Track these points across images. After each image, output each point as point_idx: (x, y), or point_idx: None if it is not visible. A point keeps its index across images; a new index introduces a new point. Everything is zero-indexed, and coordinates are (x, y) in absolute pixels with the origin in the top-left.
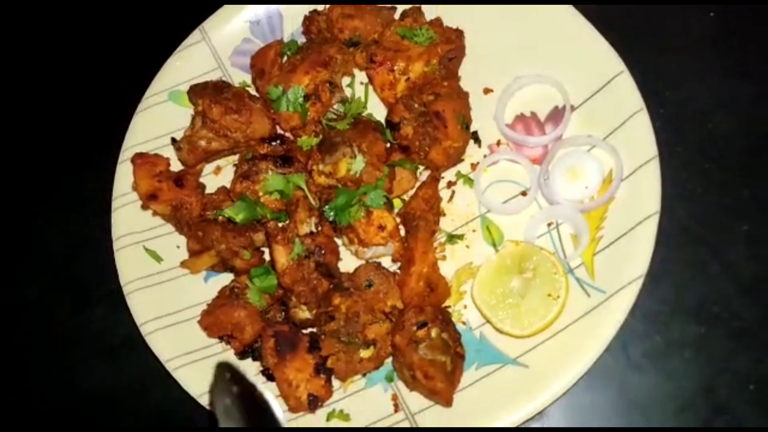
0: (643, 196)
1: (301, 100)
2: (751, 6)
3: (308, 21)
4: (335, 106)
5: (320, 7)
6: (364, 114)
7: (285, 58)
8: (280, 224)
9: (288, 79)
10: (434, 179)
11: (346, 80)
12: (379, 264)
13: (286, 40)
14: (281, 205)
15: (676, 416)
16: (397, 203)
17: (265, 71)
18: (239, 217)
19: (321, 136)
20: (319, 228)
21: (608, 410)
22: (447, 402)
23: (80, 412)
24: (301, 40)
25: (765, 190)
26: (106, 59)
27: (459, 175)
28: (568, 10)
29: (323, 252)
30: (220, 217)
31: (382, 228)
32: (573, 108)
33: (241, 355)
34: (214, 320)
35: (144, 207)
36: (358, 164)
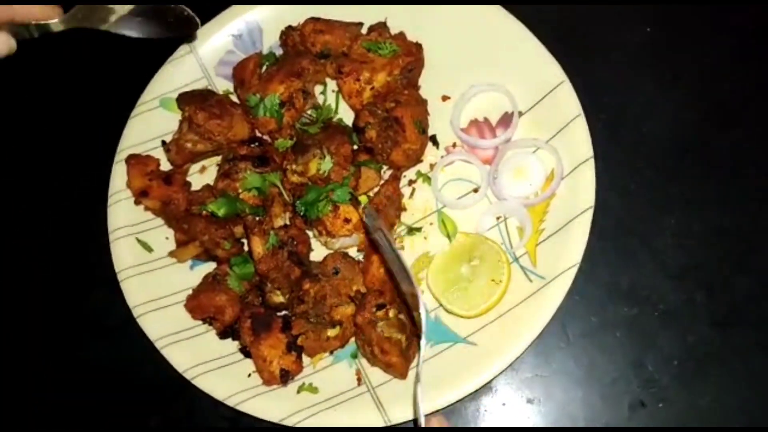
0: (580, 192)
1: (276, 106)
2: (682, 24)
3: (285, 35)
4: (308, 112)
5: (295, 23)
6: (334, 119)
7: (264, 68)
8: (257, 218)
9: (265, 88)
10: (395, 178)
11: (319, 88)
12: (345, 253)
13: (265, 52)
14: (258, 201)
15: (609, 387)
16: (364, 199)
17: (245, 81)
18: (221, 212)
19: (295, 139)
20: (293, 221)
21: (549, 383)
22: (402, 375)
23: (80, 384)
24: (279, 52)
25: (690, 187)
26: (104, 69)
27: (419, 174)
28: (519, 26)
29: (295, 243)
30: (204, 212)
31: (347, 221)
32: (521, 114)
33: (222, 335)
34: (198, 304)
35: (136, 202)
36: (327, 164)
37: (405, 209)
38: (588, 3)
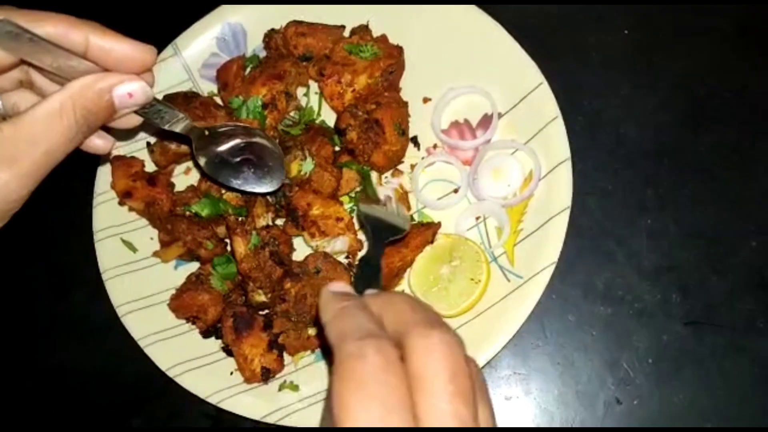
0: (557, 193)
1: (259, 108)
2: (660, 26)
3: (268, 38)
4: (291, 114)
5: (278, 26)
6: (317, 121)
7: (248, 70)
8: (239, 218)
9: (248, 90)
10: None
11: (301, 90)
12: (326, 253)
13: (249, 54)
14: (241, 202)
15: (585, 385)
16: (346, 200)
17: (229, 83)
18: (204, 212)
19: (277, 141)
20: (277, 223)
21: (527, 380)
22: None
23: (63, 386)
24: (263, 54)
25: (665, 189)
26: None
27: None
28: (498, 29)
29: (277, 243)
30: (188, 212)
31: (339, 219)
32: (500, 115)
33: (205, 334)
34: (182, 303)
35: (121, 203)
36: (308, 165)
37: None
38: (566, 5)
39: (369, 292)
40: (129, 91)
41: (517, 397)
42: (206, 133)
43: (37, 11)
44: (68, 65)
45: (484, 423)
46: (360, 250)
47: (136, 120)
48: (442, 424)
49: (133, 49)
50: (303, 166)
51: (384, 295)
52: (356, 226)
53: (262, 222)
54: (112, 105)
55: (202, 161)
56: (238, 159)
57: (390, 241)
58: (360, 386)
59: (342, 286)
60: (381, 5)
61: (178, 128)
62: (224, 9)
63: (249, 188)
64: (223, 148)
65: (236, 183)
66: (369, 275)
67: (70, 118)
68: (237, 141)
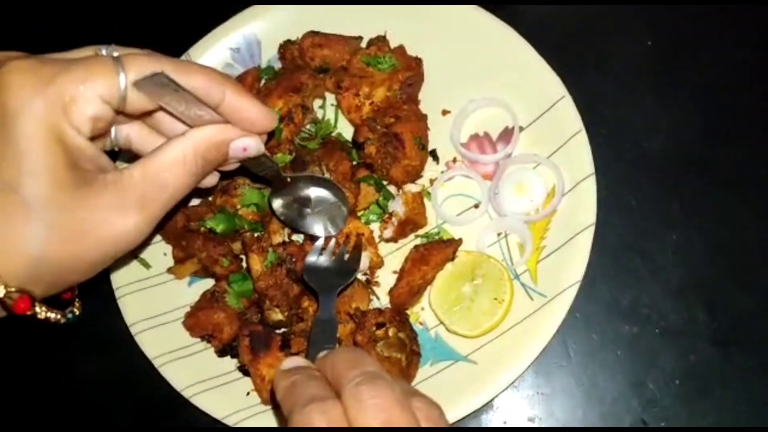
0: (581, 209)
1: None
2: (683, 37)
3: (283, 49)
4: (307, 127)
5: (294, 37)
6: (333, 134)
7: (263, 82)
8: (255, 235)
9: (264, 103)
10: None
11: (318, 102)
12: None
13: (264, 66)
14: (257, 217)
15: (610, 406)
16: (364, 215)
17: None
18: (219, 228)
19: (294, 154)
20: (294, 239)
21: (550, 401)
22: None
23: (76, 401)
24: (278, 66)
25: (691, 203)
26: None
27: None
28: (519, 40)
29: (294, 260)
30: (203, 228)
31: (359, 235)
32: (521, 129)
33: (221, 352)
34: (197, 321)
35: None
36: None
37: None
38: (588, 16)
39: (320, 355)
40: (245, 146)
41: (540, 419)
42: (289, 180)
43: (181, 61)
44: (197, 114)
45: None
46: (381, 267)
47: (236, 165)
48: None
49: (261, 111)
50: None
51: (329, 355)
52: (376, 240)
53: (278, 238)
54: (227, 155)
55: (276, 204)
56: (310, 208)
57: (343, 289)
58: None
59: (294, 361)
60: (399, 16)
61: (265, 172)
62: (238, 20)
63: (314, 233)
64: (298, 195)
65: (303, 226)
66: (324, 336)
67: (191, 165)
68: (312, 190)
